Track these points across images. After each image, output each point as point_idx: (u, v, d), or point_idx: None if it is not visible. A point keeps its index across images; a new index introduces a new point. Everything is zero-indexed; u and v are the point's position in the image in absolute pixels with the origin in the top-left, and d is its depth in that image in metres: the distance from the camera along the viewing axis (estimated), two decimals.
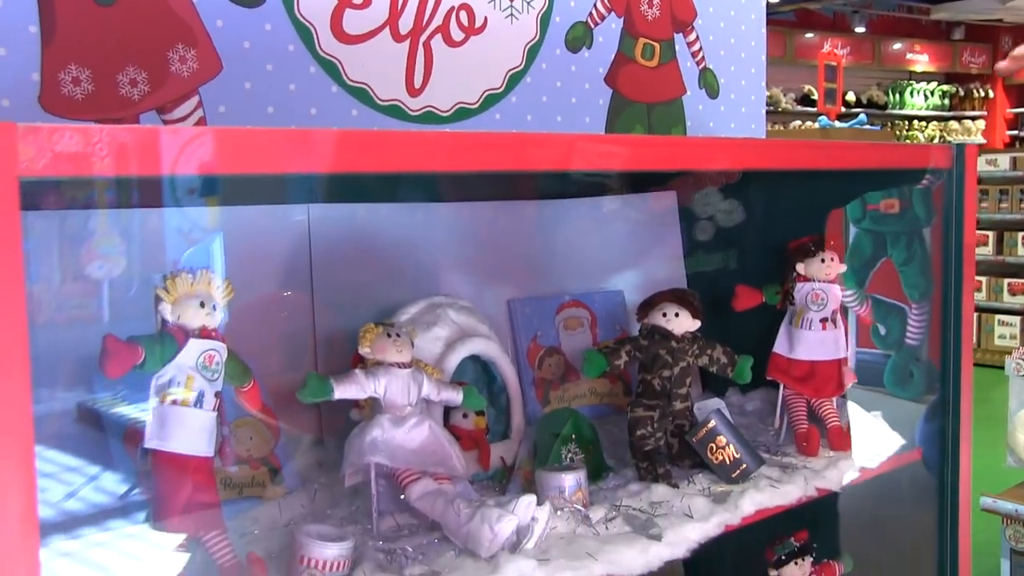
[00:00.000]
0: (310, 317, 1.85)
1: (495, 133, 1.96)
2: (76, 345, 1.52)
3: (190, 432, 1.28)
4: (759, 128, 2.47)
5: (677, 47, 2.30)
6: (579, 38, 2.16)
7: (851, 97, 11.38)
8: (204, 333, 1.31)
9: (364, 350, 1.55)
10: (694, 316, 1.78)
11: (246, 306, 1.56)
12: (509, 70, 2.05)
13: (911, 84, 12.52)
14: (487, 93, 2.04)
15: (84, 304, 1.57)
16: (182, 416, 1.28)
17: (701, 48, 2.34)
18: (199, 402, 1.29)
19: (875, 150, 1.81)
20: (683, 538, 1.53)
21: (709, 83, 2.36)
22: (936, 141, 12.58)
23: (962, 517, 2.06)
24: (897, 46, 12.34)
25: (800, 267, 1.89)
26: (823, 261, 1.88)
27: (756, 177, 2.19)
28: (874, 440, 2.08)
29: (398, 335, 1.56)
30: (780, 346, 1.92)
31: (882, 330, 2.22)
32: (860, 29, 11.74)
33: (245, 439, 1.66)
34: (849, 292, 2.14)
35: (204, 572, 1.29)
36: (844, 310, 1.92)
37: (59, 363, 1.52)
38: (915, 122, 12.58)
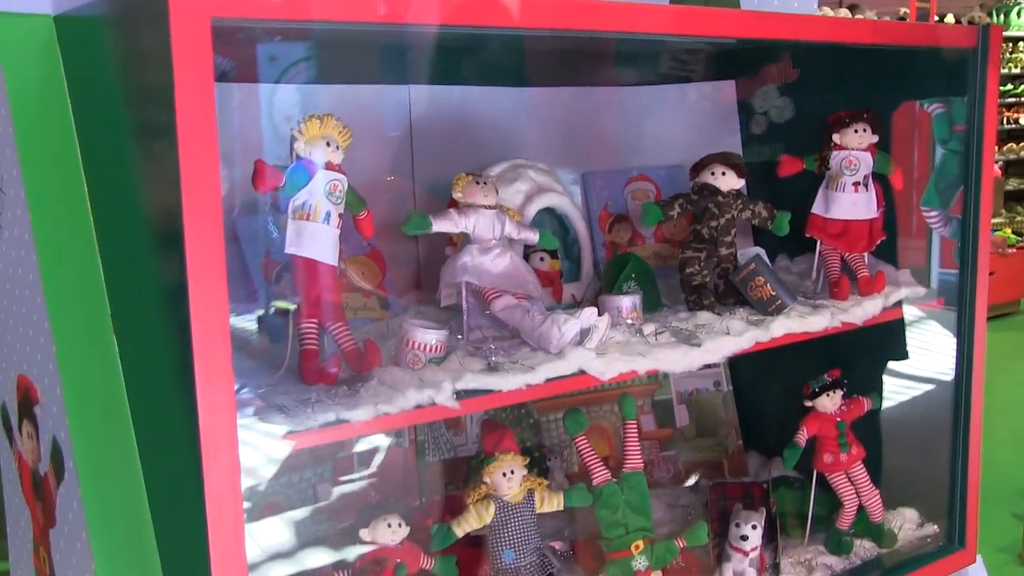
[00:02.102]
0: (410, 178, 2.19)
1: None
2: None
3: (319, 242, 1.62)
4: None
5: None
6: None
7: (950, 19, 11.25)
8: (329, 166, 1.64)
9: (457, 194, 1.87)
10: (739, 175, 2.07)
11: (358, 167, 1.88)
12: None
13: (1018, 4, 12.17)
14: None
15: None
16: (313, 229, 1.62)
17: None
18: (326, 220, 1.63)
19: (896, 28, 2.05)
20: (719, 347, 1.84)
21: None
22: None
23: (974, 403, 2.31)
24: None
25: (836, 137, 2.15)
26: (856, 131, 2.13)
27: (806, 73, 2.45)
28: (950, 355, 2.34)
29: (485, 182, 1.88)
30: (817, 207, 2.19)
31: None
32: None
33: (358, 273, 2.01)
34: (934, 213, 2.38)
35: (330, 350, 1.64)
36: (875, 175, 2.17)
37: None
38: (1021, 44, 12.32)
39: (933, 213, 2.35)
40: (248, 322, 1.86)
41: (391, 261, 2.08)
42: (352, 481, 2.19)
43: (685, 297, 2.05)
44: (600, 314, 1.79)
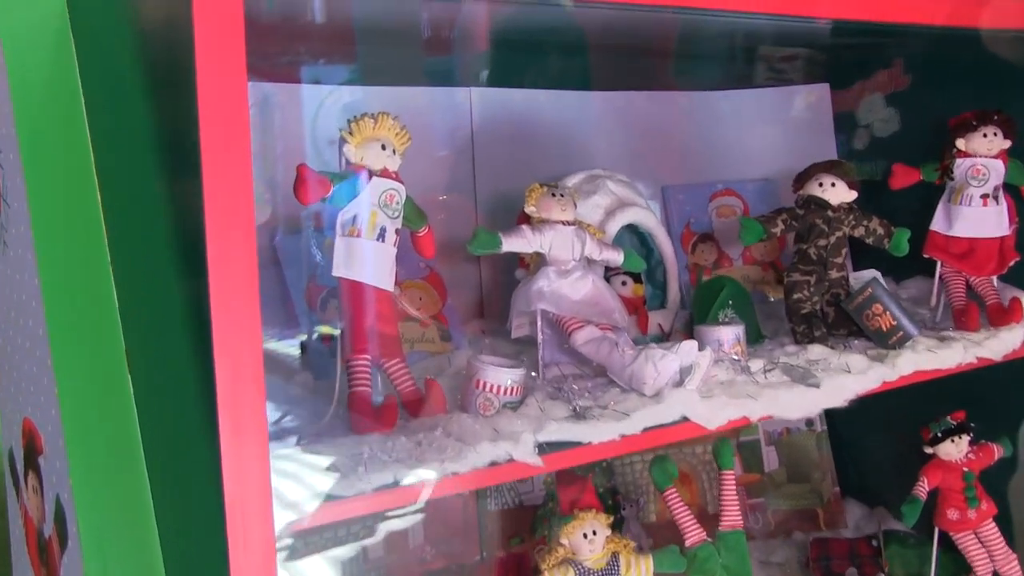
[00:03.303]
0: (472, 191, 1.94)
1: None
2: None
3: (373, 263, 1.36)
4: None
5: None
6: None
7: None
8: (385, 174, 1.39)
9: (530, 208, 1.61)
10: (850, 187, 1.79)
11: (413, 178, 1.64)
12: None
13: None
14: None
15: None
16: (365, 248, 1.36)
17: None
18: (381, 237, 1.37)
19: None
20: (841, 388, 1.56)
21: None
22: None
23: None
24: None
25: (960, 142, 1.87)
26: (985, 136, 1.85)
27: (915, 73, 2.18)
28: None
29: (562, 195, 1.62)
30: (938, 223, 1.90)
31: None
32: None
33: (415, 299, 1.75)
34: None
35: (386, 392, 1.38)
36: (1006, 186, 1.88)
37: None
38: None
39: None
40: (288, 358, 1.61)
41: (450, 286, 1.82)
42: (404, 534, 1.93)
43: (792, 327, 1.77)
44: (700, 348, 1.51)
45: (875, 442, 2.32)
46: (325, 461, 1.23)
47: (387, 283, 1.39)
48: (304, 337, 1.63)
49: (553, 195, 1.61)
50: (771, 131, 2.31)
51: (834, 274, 1.78)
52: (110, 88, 1.29)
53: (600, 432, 1.34)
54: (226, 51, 0.97)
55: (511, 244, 1.57)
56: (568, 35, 1.94)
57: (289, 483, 1.16)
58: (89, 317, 1.26)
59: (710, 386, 1.50)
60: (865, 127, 2.30)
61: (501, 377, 1.38)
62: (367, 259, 1.36)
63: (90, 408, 1.25)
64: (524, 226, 1.59)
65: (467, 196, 1.95)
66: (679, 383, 1.46)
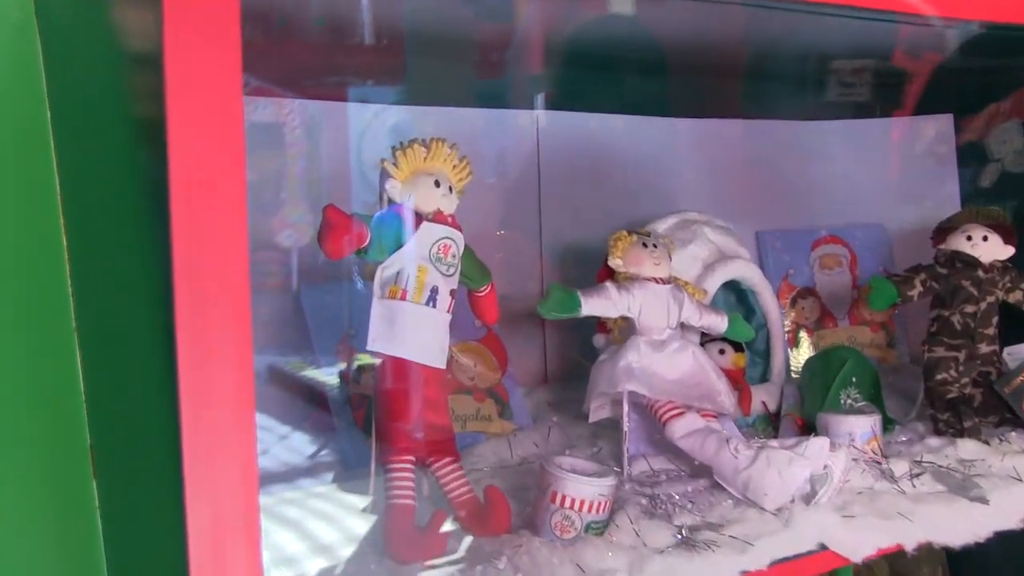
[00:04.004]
0: (537, 232, 1.63)
1: None
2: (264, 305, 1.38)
3: (422, 335, 1.05)
4: None
5: None
6: None
7: None
8: (439, 218, 1.08)
9: (615, 261, 1.29)
10: (1006, 241, 1.46)
11: (467, 217, 1.34)
12: None
13: None
14: None
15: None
16: (412, 314, 1.05)
17: None
18: (431, 300, 1.06)
19: None
20: (1014, 503, 1.22)
21: None
22: None
23: None
24: None
25: None
26: None
27: None
28: None
29: (655, 245, 1.30)
30: None
31: None
32: None
33: (468, 366, 1.44)
34: None
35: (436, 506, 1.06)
36: None
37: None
38: None
39: None
40: (310, 443, 1.30)
41: (508, 346, 1.50)
42: None
43: (933, 415, 1.43)
44: (832, 447, 1.18)
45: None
46: None
47: (438, 360, 1.07)
48: (334, 419, 1.31)
49: (644, 245, 1.29)
50: (883, 168, 1.97)
51: (983, 348, 1.44)
52: (84, 95, 0.99)
53: (716, 568, 1.01)
54: (207, 61, 0.66)
55: (592, 307, 1.25)
56: (649, 52, 1.64)
57: None
58: (45, 408, 0.95)
59: (844, 497, 1.17)
60: (996, 161, 1.96)
61: (584, 490, 1.05)
62: (413, 329, 1.05)
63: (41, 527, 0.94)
64: (608, 284, 1.27)
65: (531, 235, 1.64)
66: (809, 493, 1.13)
